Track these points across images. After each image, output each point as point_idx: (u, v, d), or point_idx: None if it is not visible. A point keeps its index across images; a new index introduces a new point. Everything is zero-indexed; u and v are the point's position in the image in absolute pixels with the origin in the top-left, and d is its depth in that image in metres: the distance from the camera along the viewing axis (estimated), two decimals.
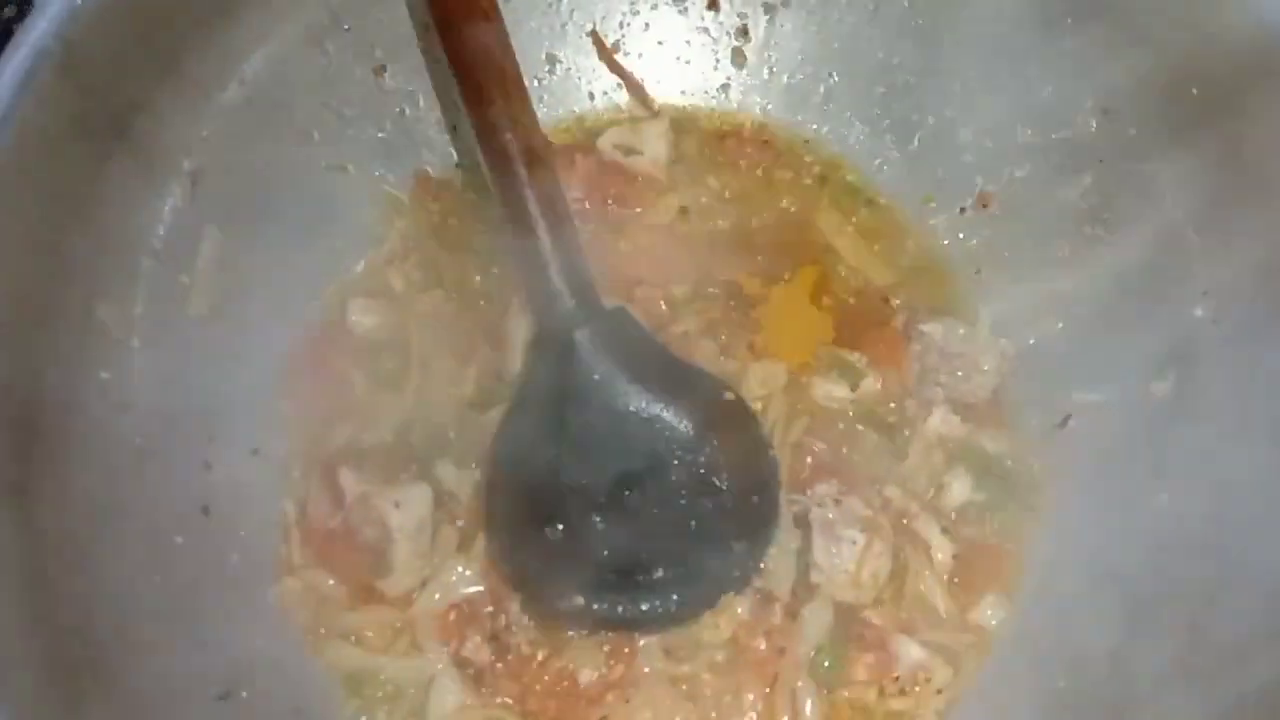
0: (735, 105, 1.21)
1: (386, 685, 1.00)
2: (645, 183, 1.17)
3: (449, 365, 1.09)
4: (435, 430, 1.07)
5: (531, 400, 1.02)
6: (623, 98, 1.21)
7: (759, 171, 1.19)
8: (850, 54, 1.17)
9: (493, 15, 0.97)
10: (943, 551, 1.05)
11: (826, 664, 1.01)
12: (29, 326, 0.86)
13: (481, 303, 1.11)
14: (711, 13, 1.19)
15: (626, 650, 1.01)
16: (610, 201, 1.15)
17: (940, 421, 1.08)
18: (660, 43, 1.21)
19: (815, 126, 1.20)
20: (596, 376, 0.99)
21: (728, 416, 1.03)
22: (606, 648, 1.01)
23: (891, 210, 1.17)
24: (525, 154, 0.96)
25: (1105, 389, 1.07)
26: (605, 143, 1.17)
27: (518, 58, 0.98)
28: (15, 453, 0.84)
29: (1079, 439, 1.08)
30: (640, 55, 1.20)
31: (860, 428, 1.08)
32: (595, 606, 0.99)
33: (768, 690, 1.00)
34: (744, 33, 1.19)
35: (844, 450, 1.07)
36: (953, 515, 1.07)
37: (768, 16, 1.18)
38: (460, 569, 1.02)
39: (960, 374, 1.09)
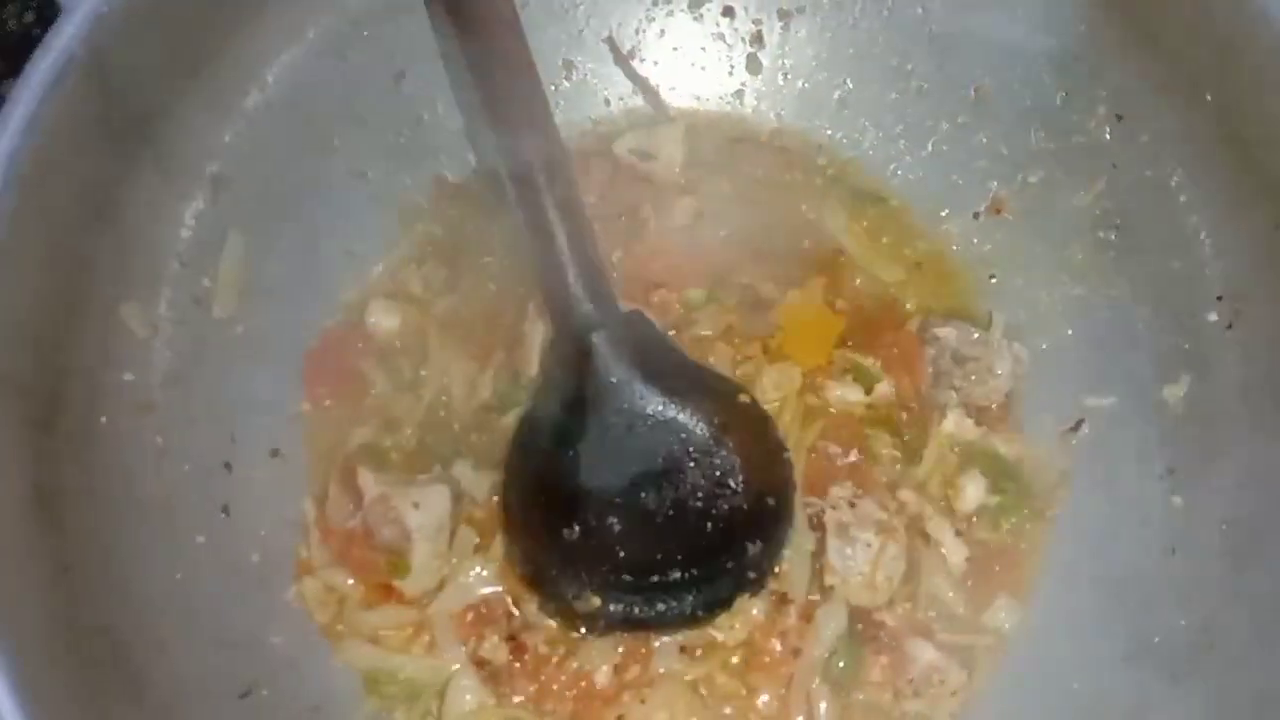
0: (750, 111, 1.22)
1: (404, 684, 1.01)
2: (661, 187, 1.17)
3: (467, 367, 1.09)
4: (453, 432, 1.07)
5: (548, 403, 1.03)
6: (638, 103, 1.22)
7: (774, 176, 1.19)
8: (864, 60, 1.17)
9: (511, 21, 0.98)
10: (956, 554, 1.05)
11: (841, 666, 1.01)
12: (53, 327, 0.87)
13: (499, 306, 1.11)
14: (726, 19, 1.20)
15: (642, 651, 1.01)
16: (626, 206, 1.16)
17: (954, 425, 1.08)
18: (676, 49, 1.21)
19: (829, 132, 1.20)
20: (613, 379, 0.99)
21: (743, 419, 1.04)
22: (622, 648, 1.01)
23: (905, 214, 1.18)
24: (543, 159, 0.96)
25: (1118, 393, 1.07)
26: (621, 147, 1.17)
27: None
28: (39, 453, 0.85)
29: (1092, 443, 1.08)
30: (656, 62, 1.21)
31: (874, 431, 1.08)
32: (611, 607, 0.99)
33: (783, 692, 1.01)
34: (759, 39, 1.20)
35: (858, 453, 1.08)
36: (966, 518, 1.07)
37: (782, 23, 1.19)
38: (478, 569, 1.02)
39: (974, 378, 1.09)
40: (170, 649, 0.91)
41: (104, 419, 0.92)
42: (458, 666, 1.01)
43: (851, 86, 1.19)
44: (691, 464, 1.01)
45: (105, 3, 0.84)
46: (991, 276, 1.15)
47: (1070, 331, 1.11)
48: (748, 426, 1.04)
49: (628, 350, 1.00)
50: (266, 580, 1.02)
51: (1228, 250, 1.00)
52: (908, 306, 1.14)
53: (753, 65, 1.21)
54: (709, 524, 1.01)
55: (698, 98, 1.22)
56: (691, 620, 1.01)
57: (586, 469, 1.00)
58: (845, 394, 1.09)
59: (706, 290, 1.12)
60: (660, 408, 1.01)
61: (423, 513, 1.01)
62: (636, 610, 1.00)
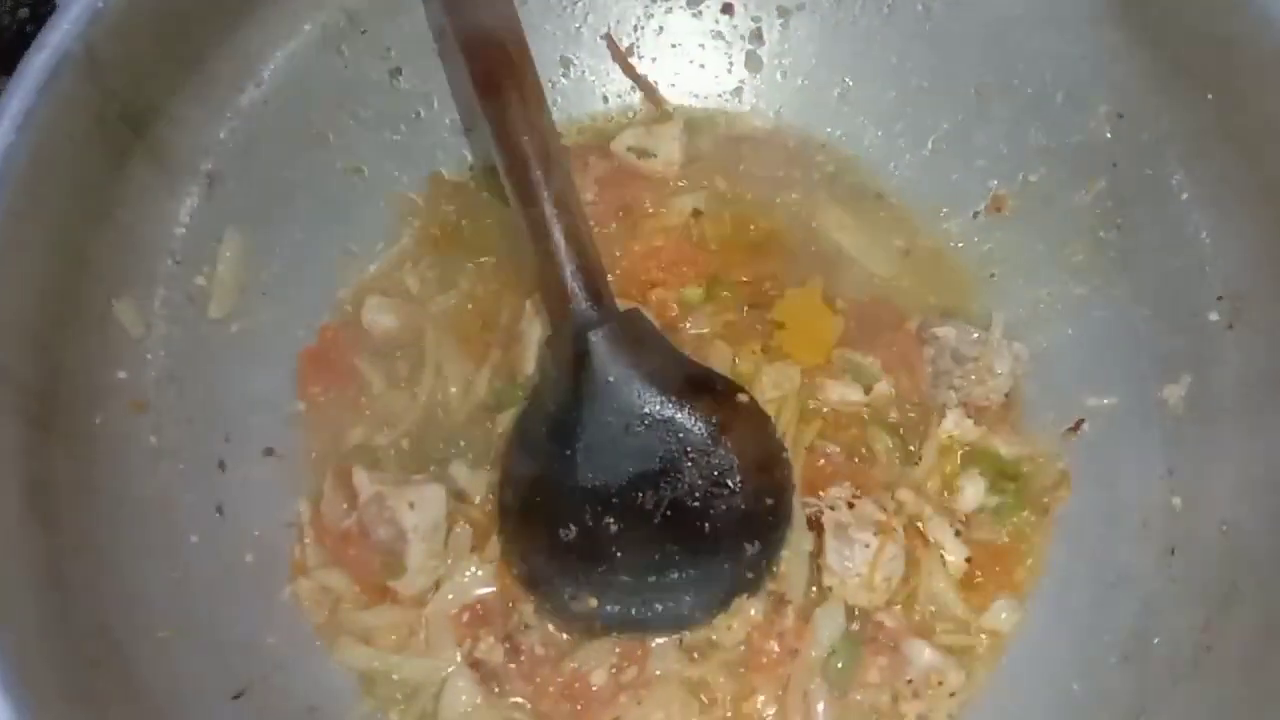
0: (749, 108, 1.22)
1: (400, 685, 1.01)
2: (659, 185, 1.17)
3: (463, 366, 1.09)
4: (449, 431, 1.07)
5: (545, 402, 1.03)
6: (636, 100, 1.21)
7: (772, 174, 1.18)
8: (864, 58, 1.17)
9: (510, 17, 0.97)
10: (956, 554, 1.05)
11: (839, 666, 1.01)
12: (48, 325, 0.87)
13: (496, 304, 1.11)
14: (726, 16, 1.20)
15: (639, 652, 1.01)
16: (624, 203, 1.16)
17: (953, 425, 1.08)
18: (674, 46, 1.21)
19: (829, 130, 1.20)
20: (610, 378, 0.99)
21: (741, 419, 1.03)
22: (619, 649, 1.01)
23: (905, 213, 1.17)
24: (540, 156, 0.96)
25: (1119, 392, 1.07)
26: (619, 145, 1.17)
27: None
28: (33, 451, 0.85)
29: (1092, 442, 1.08)
30: (654, 59, 1.21)
31: (874, 430, 1.08)
32: (608, 608, 0.99)
33: (780, 693, 1.01)
34: (758, 36, 1.20)
35: (857, 453, 1.07)
36: (966, 518, 1.07)
37: (782, 20, 1.19)
38: (474, 570, 1.02)
39: (974, 377, 1.09)
40: (165, 649, 0.91)
41: (98, 418, 0.92)
42: (453, 667, 1.00)
43: (851, 84, 1.18)
44: (689, 464, 1.01)
45: None
46: (991, 275, 1.15)
47: (1070, 331, 1.11)
48: (746, 426, 1.03)
49: (625, 349, 0.99)
50: (261, 580, 1.01)
51: (1228, 250, 0.99)
52: (906, 305, 1.13)
53: (752, 63, 1.21)
54: (706, 524, 1.00)
55: (696, 95, 1.22)
56: (689, 621, 1.01)
57: (583, 468, 0.99)
58: (844, 393, 1.09)
59: (705, 288, 1.12)
60: (658, 407, 1.00)
61: (418, 512, 1.00)
62: (633, 611, 1.00)
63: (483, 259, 1.13)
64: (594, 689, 1.00)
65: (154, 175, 0.96)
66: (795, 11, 1.18)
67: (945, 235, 1.16)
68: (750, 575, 1.02)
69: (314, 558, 1.03)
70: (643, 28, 1.20)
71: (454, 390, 1.08)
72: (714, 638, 1.02)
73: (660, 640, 1.02)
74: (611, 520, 0.99)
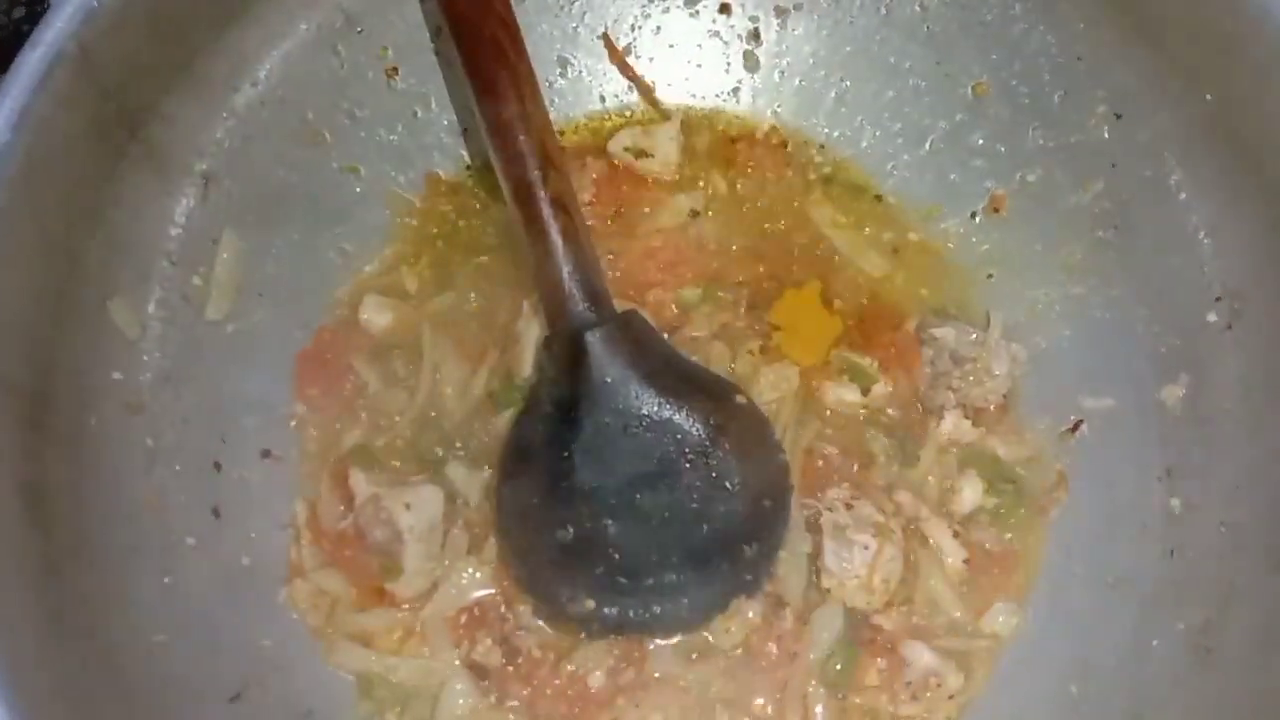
0: (746, 109, 1.21)
1: (397, 688, 1.00)
2: (656, 185, 1.16)
3: (460, 367, 1.08)
4: (446, 432, 1.07)
5: (543, 403, 1.02)
6: (634, 100, 1.21)
7: (770, 174, 1.18)
8: (862, 58, 1.17)
9: (506, 17, 0.97)
10: (954, 556, 1.05)
11: (838, 669, 1.00)
12: (42, 326, 0.87)
13: (493, 305, 1.11)
14: (723, 16, 1.19)
15: (637, 654, 1.01)
16: (621, 204, 1.15)
17: (952, 426, 1.08)
18: (672, 46, 1.20)
19: (826, 130, 1.19)
20: (608, 379, 0.99)
21: (739, 420, 1.03)
22: (617, 651, 1.01)
23: (902, 213, 1.17)
24: (538, 156, 0.96)
25: (1117, 394, 1.07)
26: (616, 145, 1.17)
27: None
28: (27, 452, 0.84)
29: (1091, 444, 1.08)
30: (651, 59, 1.20)
31: (872, 432, 1.08)
32: (606, 610, 0.99)
33: (778, 695, 1.00)
34: (755, 36, 1.19)
35: (855, 455, 1.07)
36: (964, 520, 1.07)
37: (779, 20, 1.18)
38: (471, 571, 1.02)
39: (972, 378, 1.09)
40: (160, 651, 0.90)
41: (93, 419, 0.92)
42: (451, 670, 1.00)
43: (849, 84, 1.18)
44: (687, 465, 1.00)
45: None
46: (989, 276, 1.15)
47: (1069, 331, 1.11)
48: (744, 427, 1.03)
49: (623, 350, 0.99)
50: (258, 582, 1.01)
51: (1228, 250, 0.99)
52: (904, 306, 1.13)
53: (749, 63, 1.20)
54: (704, 526, 1.00)
55: (694, 95, 1.22)
56: (687, 623, 1.01)
57: (581, 470, 0.99)
58: (842, 394, 1.09)
59: (703, 289, 1.12)
60: (656, 408, 1.00)
61: (415, 514, 1.00)
62: (631, 613, 0.99)
63: (480, 259, 1.13)
64: (592, 691, 0.99)
65: (149, 175, 0.95)
66: (793, 11, 1.18)
67: (943, 236, 1.16)
68: (748, 577, 1.01)
69: (311, 560, 1.03)
70: (640, 27, 1.20)
71: (451, 391, 1.08)
72: (712, 640, 1.01)
73: (658, 642, 1.01)
74: (609, 522, 0.99)
